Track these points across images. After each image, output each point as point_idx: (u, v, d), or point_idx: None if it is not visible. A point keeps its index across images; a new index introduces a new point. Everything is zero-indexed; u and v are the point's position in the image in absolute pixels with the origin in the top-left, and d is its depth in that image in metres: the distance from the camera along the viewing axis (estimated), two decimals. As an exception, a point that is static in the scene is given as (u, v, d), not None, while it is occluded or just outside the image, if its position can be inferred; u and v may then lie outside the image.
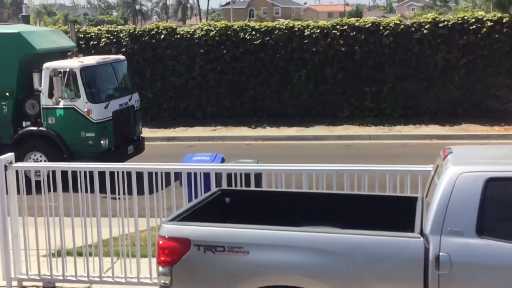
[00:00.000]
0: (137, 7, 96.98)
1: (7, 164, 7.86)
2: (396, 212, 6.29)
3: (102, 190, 7.82)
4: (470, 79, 20.04)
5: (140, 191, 7.69)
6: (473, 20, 19.93)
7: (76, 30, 18.34)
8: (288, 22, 22.06)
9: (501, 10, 18.27)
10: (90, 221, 7.97)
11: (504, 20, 19.55)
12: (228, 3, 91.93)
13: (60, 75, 13.43)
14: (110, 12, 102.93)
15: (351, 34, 20.30)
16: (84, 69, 13.82)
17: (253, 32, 21.08)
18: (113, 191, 7.79)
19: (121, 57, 15.82)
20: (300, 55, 20.65)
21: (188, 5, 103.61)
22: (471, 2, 56.22)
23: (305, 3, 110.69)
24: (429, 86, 20.19)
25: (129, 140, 14.99)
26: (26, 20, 18.72)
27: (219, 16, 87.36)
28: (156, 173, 7.74)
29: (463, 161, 5.49)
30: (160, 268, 5.58)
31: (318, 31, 20.68)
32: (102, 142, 13.82)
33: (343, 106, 20.77)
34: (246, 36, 20.98)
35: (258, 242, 5.39)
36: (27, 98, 14.11)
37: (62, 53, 15.25)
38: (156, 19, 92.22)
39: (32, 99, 14.01)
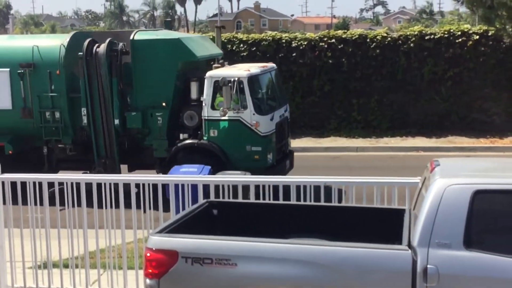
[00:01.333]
0: (125, 18, 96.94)
1: None
2: (383, 224, 6.29)
3: (89, 201, 7.78)
4: (457, 91, 20.19)
5: (127, 203, 7.66)
6: (459, 33, 20.11)
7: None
8: (275, 34, 22.15)
9: (486, 24, 18.42)
10: (76, 233, 7.92)
11: (490, 33, 19.73)
12: (215, 15, 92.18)
13: (230, 84, 12.25)
14: (97, 23, 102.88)
15: (339, 46, 20.42)
16: (251, 78, 12.75)
17: (241, 44, 21.13)
18: (100, 203, 7.75)
19: (274, 65, 14.61)
20: (287, 67, 20.71)
21: (176, 17, 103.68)
22: (456, 15, 56.75)
23: (292, 15, 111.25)
24: (416, 98, 20.32)
25: (285, 155, 13.91)
26: (168, 25, 16.94)
27: (207, 27, 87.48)
28: (143, 184, 7.71)
29: (450, 173, 5.51)
30: (147, 281, 5.55)
31: (305, 43, 20.78)
32: (268, 156, 12.74)
33: (331, 118, 20.84)
34: (233, 48, 21.01)
35: (246, 254, 5.37)
36: (184, 109, 13.19)
37: (207, 61, 14.19)
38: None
39: (190, 109, 13.07)
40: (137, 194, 7.65)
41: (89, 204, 7.79)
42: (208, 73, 12.87)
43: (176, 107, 13.28)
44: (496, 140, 19.06)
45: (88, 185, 7.71)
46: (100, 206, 7.76)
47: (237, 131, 12.67)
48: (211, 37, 18.29)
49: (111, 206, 7.71)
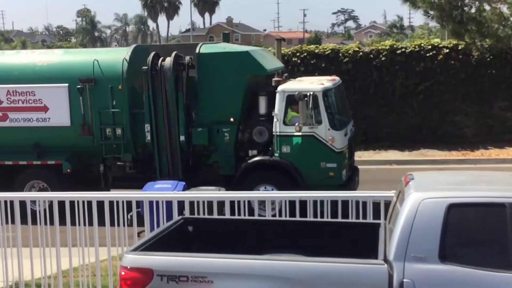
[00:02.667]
0: (96, 33, 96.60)
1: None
2: (359, 239, 6.30)
3: (62, 219, 7.69)
4: (428, 105, 20.39)
5: (101, 220, 7.58)
6: (430, 47, 20.36)
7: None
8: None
9: (456, 38, 18.66)
10: (49, 251, 7.81)
11: (460, 47, 19.99)
12: (188, 30, 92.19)
13: (305, 99, 11.71)
14: (68, 39, 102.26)
15: (311, 61, 20.52)
16: (325, 92, 12.22)
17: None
18: (73, 221, 7.66)
19: (338, 78, 13.91)
20: (260, 81, 20.70)
21: (148, 32, 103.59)
22: (426, 30, 57.47)
23: (264, 30, 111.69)
24: (388, 112, 20.48)
25: (354, 170, 13.46)
26: (227, 38, 16.11)
27: (179, 42, 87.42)
28: (117, 201, 7.64)
29: (425, 187, 5.54)
30: (122, 300, 5.47)
31: (278, 58, 20.80)
32: (343, 172, 12.23)
33: (304, 132, 20.84)
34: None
35: (222, 271, 5.33)
36: (253, 124, 12.68)
37: (268, 75, 13.39)
38: (116, 45, 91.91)
39: (260, 125, 12.54)
40: (111, 211, 7.58)
41: (62, 222, 7.70)
42: (280, 87, 12.36)
43: (244, 122, 12.83)
44: (468, 153, 19.27)
45: (61, 203, 7.61)
46: (73, 223, 7.67)
47: (311, 147, 12.11)
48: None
49: (84, 224, 7.62)
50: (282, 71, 14.01)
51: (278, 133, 12.23)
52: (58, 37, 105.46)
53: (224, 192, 8.90)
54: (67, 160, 13.00)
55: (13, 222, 7.74)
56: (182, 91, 12.61)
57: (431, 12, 15.62)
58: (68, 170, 12.93)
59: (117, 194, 7.94)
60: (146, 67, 12.55)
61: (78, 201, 7.66)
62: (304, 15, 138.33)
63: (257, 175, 12.42)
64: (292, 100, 12.09)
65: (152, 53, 12.74)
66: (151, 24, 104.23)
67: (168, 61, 12.57)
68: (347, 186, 12.24)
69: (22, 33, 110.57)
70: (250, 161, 12.51)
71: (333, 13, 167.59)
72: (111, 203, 7.62)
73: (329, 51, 20.83)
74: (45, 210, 7.67)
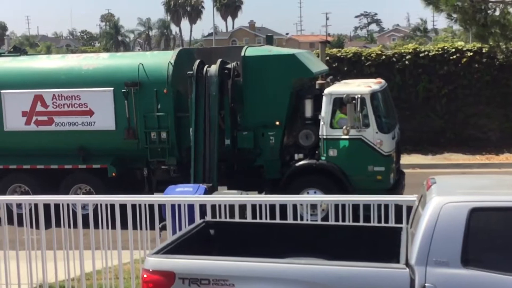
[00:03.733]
0: (120, 38, 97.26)
1: (-12, 198, 7.77)
2: (381, 243, 6.28)
3: (85, 222, 7.76)
4: (452, 108, 20.25)
5: (124, 223, 7.63)
6: (453, 50, 20.22)
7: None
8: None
9: (480, 41, 18.50)
10: (72, 254, 7.89)
11: (484, 51, 19.83)
12: (210, 34, 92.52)
13: (354, 101, 11.60)
14: (92, 43, 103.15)
15: (333, 65, 20.47)
16: (373, 95, 12.07)
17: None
18: (96, 224, 7.73)
19: (384, 81, 13.59)
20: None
21: (171, 36, 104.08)
22: (450, 33, 57.07)
23: (287, 34, 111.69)
24: (411, 116, 20.35)
25: (401, 174, 13.38)
26: (270, 41, 15.80)
27: (202, 46, 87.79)
28: (139, 205, 7.69)
29: (447, 191, 5.51)
30: (144, 302, 5.51)
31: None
32: (391, 176, 12.08)
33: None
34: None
35: (243, 275, 5.34)
36: (298, 128, 12.61)
37: (311, 78, 13.34)
38: (139, 50, 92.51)
39: (306, 128, 12.44)
40: (134, 214, 7.63)
41: (85, 225, 7.77)
42: (327, 90, 12.26)
43: (289, 125, 12.74)
44: (492, 157, 19.09)
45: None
46: (96, 226, 7.73)
47: (359, 150, 11.96)
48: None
49: (108, 227, 7.69)
50: (326, 74, 13.94)
51: (324, 137, 12.12)
52: (82, 42, 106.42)
53: (245, 196, 8.91)
54: (112, 164, 13.05)
55: (37, 225, 7.82)
56: (227, 95, 12.57)
57: (454, 15, 15.48)
58: (113, 174, 13.00)
59: (140, 197, 7.98)
60: (191, 72, 12.52)
61: (101, 204, 7.72)
62: (327, 19, 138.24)
63: (303, 179, 12.31)
64: (339, 103, 12.02)
65: (197, 61, 12.68)
66: (174, 28, 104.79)
67: (214, 68, 12.51)
68: (395, 190, 12.10)
69: (47, 37, 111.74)
70: (297, 164, 12.39)
71: (356, 17, 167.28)
72: (133, 206, 7.68)
73: (351, 54, 20.78)
74: (68, 213, 7.75)
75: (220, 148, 12.51)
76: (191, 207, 7.71)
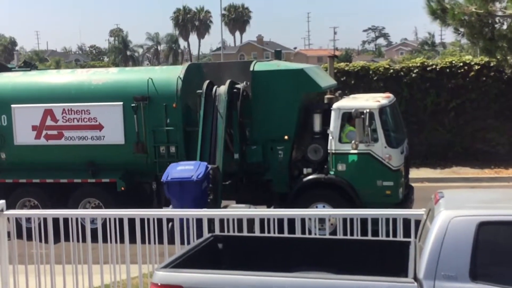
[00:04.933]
0: (129, 53, 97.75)
1: (-2, 212, 7.82)
2: (389, 257, 6.27)
3: (94, 236, 7.79)
4: (460, 122, 20.22)
5: (132, 238, 7.66)
6: (461, 64, 20.23)
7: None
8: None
9: (487, 55, 18.51)
10: (81, 269, 7.91)
11: (491, 64, 19.82)
12: (219, 48, 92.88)
13: (362, 116, 11.66)
14: (101, 58, 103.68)
15: (341, 78, 20.51)
16: (382, 110, 12.09)
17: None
18: (105, 238, 7.75)
19: (392, 95, 13.64)
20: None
21: (179, 51, 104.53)
22: (458, 46, 57.06)
23: (295, 48, 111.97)
24: (419, 129, 20.32)
25: (410, 189, 13.30)
26: (279, 55, 15.72)
27: (210, 61, 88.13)
28: (148, 219, 7.72)
29: (455, 205, 5.51)
30: (153, 316, 5.52)
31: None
32: (399, 191, 12.06)
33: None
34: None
35: (251, 289, 5.35)
36: (307, 142, 12.63)
37: (319, 92, 13.38)
38: (147, 64, 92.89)
39: (314, 143, 12.46)
40: (142, 228, 7.66)
41: (94, 239, 7.80)
42: (336, 105, 12.28)
43: (298, 140, 12.78)
44: (501, 171, 19.02)
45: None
46: (105, 241, 7.76)
47: (367, 165, 11.97)
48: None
49: (116, 241, 7.71)
50: (335, 88, 13.96)
51: (333, 151, 12.14)
52: (91, 57, 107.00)
53: (254, 210, 8.93)
54: (121, 178, 13.09)
55: (46, 239, 7.86)
56: (236, 110, 12.62)
57: (462, 29, 15.51)
58: (122, 188, 13.03)
59: (148, 212, 8.01)
60: (200, 91, 12.55)
61: (109, 219, 7.75)
62: (335, 33, 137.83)
63: (312, 193, 12.30)
64: (347, 118, 12.05)
65: (207, 81, 12.71)
66: (182, 42, 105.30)
67: (223, 89, 12.52)
68: (404, 204, 12.08)
69: (56, 52, 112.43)
70: (305, 179, 12.40)
71: (364, 31, 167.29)
72: (142, 220, 7.70)
73: (359, 68, 20.82)
74: (77, 227, 7.79)
75: (227, 164, 12.50)
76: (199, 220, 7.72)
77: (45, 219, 7.94)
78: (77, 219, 7.86)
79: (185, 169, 11.07)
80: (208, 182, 11.50)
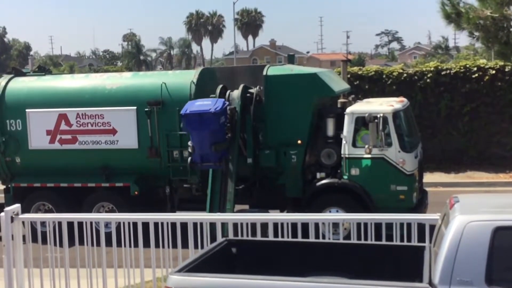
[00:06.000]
0: (142, 57, 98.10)
1: (13, 216, 7.86)
2: (403, 262, 6.25)
3: (108, 240, 7.81)
4: (474, 126, 20.12)
5: (146, 241, 7.68)
6: (475, 68, 20.13)
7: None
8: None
9: (502, 59, 18.41)
10: (95, 272, 7.94)
11: (506, 69, 19.72)
12: (231, 53, 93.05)
13: (376, 121, 11.64)
14: (115, 63, 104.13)
15: (355, 83, 20.48)
16: (395, 114, 12.04)
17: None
18: (119, 242, 7.77)
19: (406, 99, 13.54)
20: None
21: (192, 55, 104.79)
22: (472, 50, 56.81)
23: (308, 52, 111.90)
24: (433, 134, 20.24)
25: (424, 193, 13.27)
26: (292, 59, 15.65)
27: (223, 65, 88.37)
28: (162, 223, 7.73)
29: (470, 210, 5.48)
30: (167, 320, 5.53)
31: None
32: (413, 195, 12.02)
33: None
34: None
35: (265, 293, 5.34)
36: (320, 146, 12.59)
37: (332, 96, 13.29)
38: (160, 68, 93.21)
39: (328, 147, 12.43)
40: (156, 232, 7.67)
41: (108, 243, 7.82)
42: (349, 109, 12.29)
43: (311, 144, 12.73)
44: (516, 175, 18.91)
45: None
46: (119, 245, 7.78)
47: (381, 169, 11.92)
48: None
49: (130, 245, 7.73)
50: (348, 92, 13.95)
51: (347, 155, 12.11)
52: (105, 61, 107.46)
53: (267, 214, 8.93)
54: (135, 182, 13.13)
55: (61, 243, 7.89)
56: (249, 114, 12.61)
57: (476, 33, 15.43)
58: (136, 192, 13.08)
59: (162, 215, 8.03)
60: (214, 96, 12.49)
61: (123, 222, 7.78)
62: (348, 37, 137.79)
63: (326, 197, 12.28)
64: (361, 122, 12.03)
65: (220, 86, 12.70)
66: (195, 47, 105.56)
67: (236, 93, 12.50)
68: (418, 209, 12.03)
69: (70, 57, 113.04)
70: (319, 183, 12.38)
71: (377, 35, 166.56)
72: (156, 224, 7.72)
73: (373, 72, 20.78)
74: (91, 231, 7.82)
75: (240, 169, 12.48)
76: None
77: (59, 223, 7.98)
78: (91, 223, 7.89)
79: (203, 104, 11.29)
80: (226, 118, 11.73)
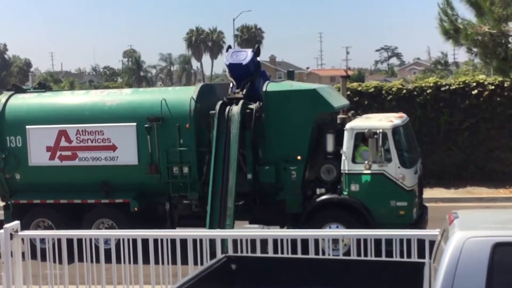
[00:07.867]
0: (142, 73, 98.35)
1: (12, 233, 7.85)
2: (403, 278, 6.23)
3: (107, 257, 7.80)
4: (474, 141, 20.12)
5: (146, 258, 7.66)
6: (475, 84, 20.16)
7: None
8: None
9: (501, 75, 18.48)
10: (95, 289, 7.92)
11: (506, 84, 19.77)
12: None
13: (375, 136, 11.72)
14: (115, 79, 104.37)
15: (354, 99, 20.51)
16: (395, 130, 12.12)
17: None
18: (118, 258, 7.76)
19: (405, 115, 13.63)
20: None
21: (192, 71, 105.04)
22: (471, 66, 57.00)
23: (307, 68, 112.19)
24: (433, 149, 20.23)
25: (424, 209, 13.30)
26: (291, 75, 15.85)
27: (223, 81, 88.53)
28: (161, 240, 7.72)
29: (469, 225, 5.47)
30: (166, 338, 5.51)
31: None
32: (413, 211, 12.04)
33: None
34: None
35: (265, 310, 5.33)
36: (320, 162, 12.63)
37: (332, 112, 13.29)
38: (161, 85, 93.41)
39: (328, 163, 12.46)
40: (155, 249, 7.66)
41: (108, 259, 7.81)
42: (348, 125, 12.34)
43: (311, 160, 12.76)
44: (516, 190, 18.88)
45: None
46: (118, 261, 7.77)
47: (381, 185, 11.97)
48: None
49: (130, 262, 7.71)
50: (348, 108, 14.01)
51: (346, 171, 12.14)
52: (105, 77, 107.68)
53: (267, 230, 8.91)
54: (135, 199, 13.11)
55: (60, 260, 7.88)
56: (249, 130, 12.62)
57: (475, 49, 15.53)
58: (136, 209, 13.04)
59: (162, 232, 8.02)
60: (213, 112, 12.57)
61: (123, 239, 7.77)
62: (347, 53, 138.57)
63: (325, 213, 12.30)
64: (361, 138, 12.07)
65: (220, 102, 12.72)
66: (195, 63, 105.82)
67: (236, 109, 12.51)
68: (418, 224, 12.04)
69: (70, 73, 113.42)
70: (318, 199, 12.41)
71: (376, 50, 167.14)
72: (155, 241, 7.71)
73: (372, 88, 20.82)
74: (90, 247, 7.81)
75: (240, 185, 12.43)
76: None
77: (59, 240, 7.97)
78: (90, 239, 7.88)
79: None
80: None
